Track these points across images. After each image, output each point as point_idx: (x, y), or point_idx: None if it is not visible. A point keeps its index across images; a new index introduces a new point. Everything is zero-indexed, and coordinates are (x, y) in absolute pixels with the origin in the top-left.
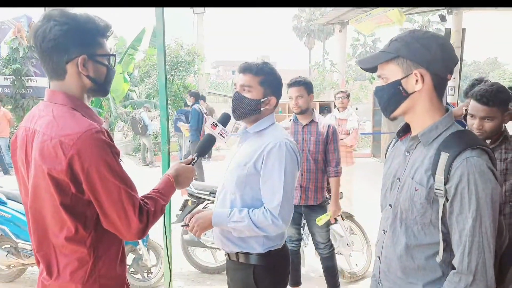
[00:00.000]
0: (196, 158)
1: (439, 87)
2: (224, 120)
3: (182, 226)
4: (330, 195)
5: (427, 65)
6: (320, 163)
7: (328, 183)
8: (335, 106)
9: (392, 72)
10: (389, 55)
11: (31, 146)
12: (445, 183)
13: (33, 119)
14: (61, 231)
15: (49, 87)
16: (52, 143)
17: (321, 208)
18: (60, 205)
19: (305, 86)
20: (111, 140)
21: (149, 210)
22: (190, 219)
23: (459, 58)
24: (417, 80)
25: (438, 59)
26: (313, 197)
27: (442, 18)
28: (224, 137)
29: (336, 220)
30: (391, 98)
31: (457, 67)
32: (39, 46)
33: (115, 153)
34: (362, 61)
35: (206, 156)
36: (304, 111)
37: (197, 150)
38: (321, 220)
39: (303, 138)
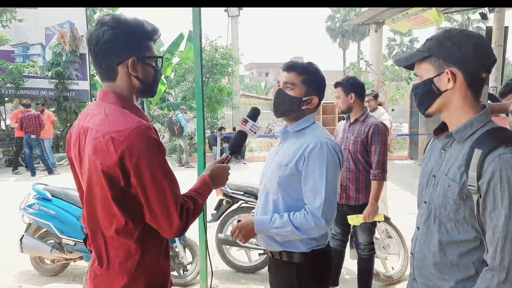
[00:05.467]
0: (230, 156)
1: (474, 85)
2: (254, 114)
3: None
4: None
5: (459, 64)
6: (361, 163)
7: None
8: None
9: (425, 70)
10: (422, 54)
11: (84, 142)
12: (478, 179)
13: (86, 118)
14: (111, 224)
15: (90, 90)
16: (104, 139)
17: (362, 209)
18: (112, 199)
19: (342, 86)
20: (158, 137)
21: (188, 208)
22: (235, 230)
23: (501, 57)
24: (449, 79)
25: (470, 57)
26: (354, 197)
27: (483, 16)
28: (255, 133)
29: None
30: (425, 95)
31: (499, 67)
32: (92, 49)
33: (162, 150)
34: (398, 59)
35: (239, 157)
36: (345, 111)
37: (229, 148)
38: (351, 219)
39: (347, 136)
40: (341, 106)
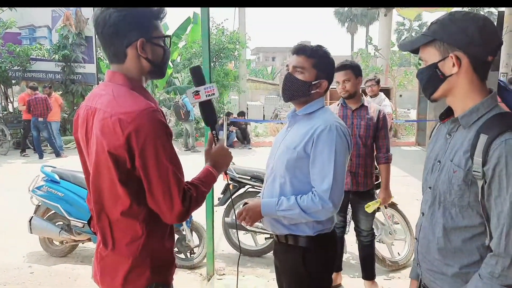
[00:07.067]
0: (214, 132)
1: (480, 69)
2: (197, 77)
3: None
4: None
5: (464, 48)
6: (369, 148)
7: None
8: (365, 93)
9: (430, 55)
10: (427, 38)
11: (92, 123)
12: (483, 165)
13: (94, 98)
14: (116, 205)
15: (97, 73)
16: (111, 120)
17: (369, 194)
18: (118, 180)
19: (352, 69)
20: (166, 120)
21: (191, 195)
22: (242, 212)
23: None
24: (453, 63)
25: (476, 41)
26: (363, 183)
27: None
28: (214, 94)
29: (378, 208)
30: (429, 80)
31: (510, 53)
32: (100, 32)
33: (169, 134)
34: (403, 44)
35: (245, 142)
36: (353, 95)
37: (207, 125)
38: (369, 207)
39: (353, 122)
40: (350, 89)
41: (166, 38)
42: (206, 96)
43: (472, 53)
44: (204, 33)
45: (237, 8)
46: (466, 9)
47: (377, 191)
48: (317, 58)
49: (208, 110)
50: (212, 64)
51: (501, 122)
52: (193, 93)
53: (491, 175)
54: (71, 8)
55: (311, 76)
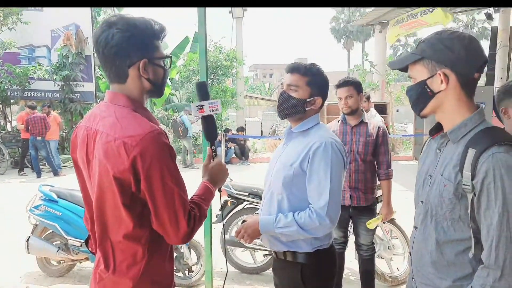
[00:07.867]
0: (213, 148)
1: (467, 86)
2: (203, 91)
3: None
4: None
5: (451, 65)
6: (369, 164)
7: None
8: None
9: (419, 72)
10: (415, 57)
11: (93, 145)
12: (472, 178)
13: (94, 119)
14: (119, 228)
15: (95, 92)
16: (116, 144)
17: (369, 210)
18: (122, 204)
19: (354, 85)
20: (169, 141)
21: (195, 215)
22: (240, 230)
23: (506, 57)
24: (441, 80)
25: (462, 59)
26: (363, 198)
27: (489, 17)
28: (217, 109)
29: None
30: (419, 97)
31: (505, 67)
32: (101, 52)
33: (173, 156)
34: (392, 62)
35: (243, 158)
36: (355, 111)
37: (207, 139)
38: (371, 223)
39: (352, 138)
40: (353, 105)
41: (166, 59)
42: (210, 111)
43: (459, 70)
44: (200, 35)
45: (234, 26)
46: (457, 24)
47: (378, 205)
48: (311, 76)
49: (210, 125)
50: (209, 81)
51: (488, 136)
52: (197, 106)
53: (480, 188)
54: (70, 28)
55: (305, 93)
